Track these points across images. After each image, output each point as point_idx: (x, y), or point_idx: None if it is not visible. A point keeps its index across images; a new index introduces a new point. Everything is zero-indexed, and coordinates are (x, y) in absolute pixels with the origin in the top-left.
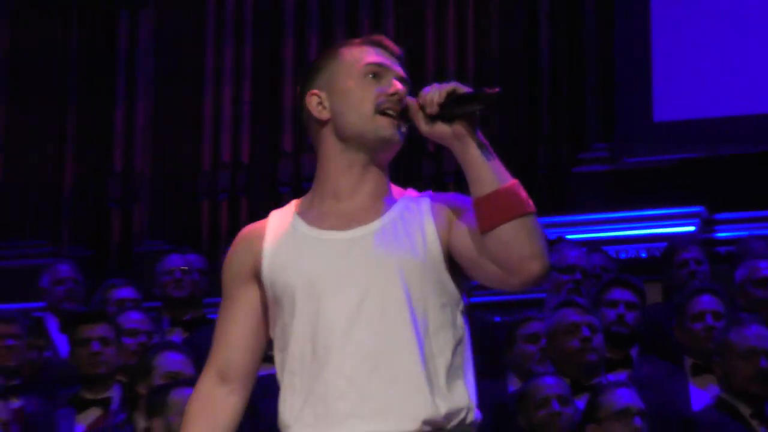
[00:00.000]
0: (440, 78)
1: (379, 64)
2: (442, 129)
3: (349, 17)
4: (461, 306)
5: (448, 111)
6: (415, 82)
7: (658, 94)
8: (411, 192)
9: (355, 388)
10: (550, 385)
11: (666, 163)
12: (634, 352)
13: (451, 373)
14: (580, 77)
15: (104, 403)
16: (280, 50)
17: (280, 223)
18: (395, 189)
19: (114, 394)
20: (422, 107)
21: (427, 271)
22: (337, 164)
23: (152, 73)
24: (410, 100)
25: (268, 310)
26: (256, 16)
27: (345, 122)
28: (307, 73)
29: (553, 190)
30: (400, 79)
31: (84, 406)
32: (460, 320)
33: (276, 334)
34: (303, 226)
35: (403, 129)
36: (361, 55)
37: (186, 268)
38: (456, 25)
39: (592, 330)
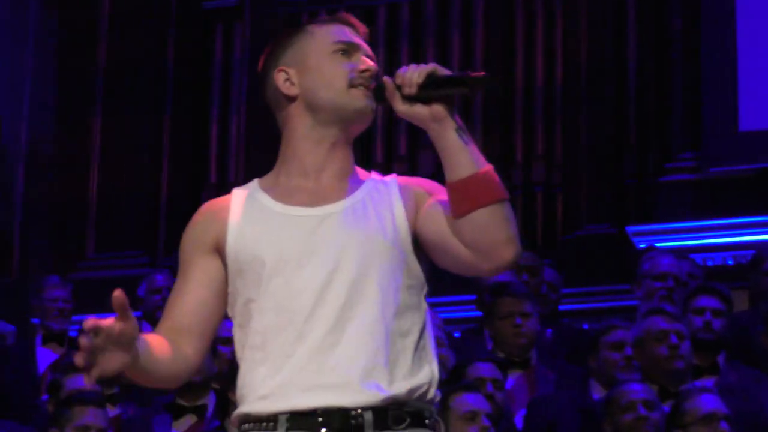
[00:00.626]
0: (529, 89)
1: (349, 42)
2: (419, 110)
3: (438, 29)
4: (425, 290)
5: (426, 92)
6: (504, 93)
7: (744, 104)
8: (375, 174)
9: (318, 361)
10: (636, 390)
11: (751, 172)
12: (720, 359)
13: (417, 353)
14: (667, 88)
15: (200, 410)
16: None
17: (244, 199)
18: (359, 170)
19: (209, 401)
20: (399, 87)
21: (396, 252)
22: (306, 141)
23: (247, 85)
24: (386, 79)
25: (226, 286)
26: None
27: (317, 97)
28: (272, 50)
29: (641, 200)
30: (370, 58)
31: (180, 412)
32: (424, 304)
33: (236, 310)
34: (270, 202)
35: (373, 106)
36: (331, 33)
37: None
38: (544, 36)
39: (680, 337)
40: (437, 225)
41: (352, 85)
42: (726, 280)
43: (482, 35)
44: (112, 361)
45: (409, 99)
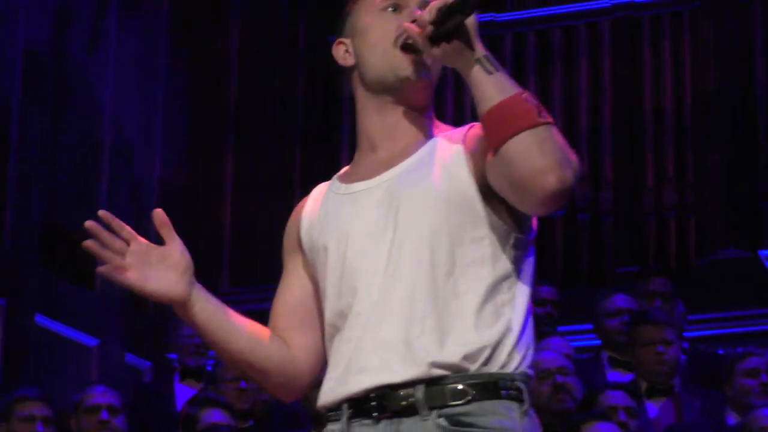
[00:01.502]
0: (658, 114)
1: None
2: (444, 49)
3: (565, 57)
4: (513, 238)
5: (442, 27)
6: (633, 118)
7: None
8: (448, 128)
9: (370, 338)
10: None
11: None
12: None
13: (481, 314)
14: None
15: None
16: None
17: (320, 192)
18: (441, 127)
19: None
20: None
21: (454, 206)
22: (367, 111)
23: None
24: (407, 27)
25: (314, 280)
26: None
27: (365, 64)
28: (336, 23)
29: None
30: (425, 5)
31: None
32: (507, 253)
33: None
34: (337, 186)
35: (428, 63)
36: None
37: None
38: (672, 60)
39: None
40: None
41: (399, 44)
42: None
43: (609, 62)
44: (144, 276)
45: (432, 41)
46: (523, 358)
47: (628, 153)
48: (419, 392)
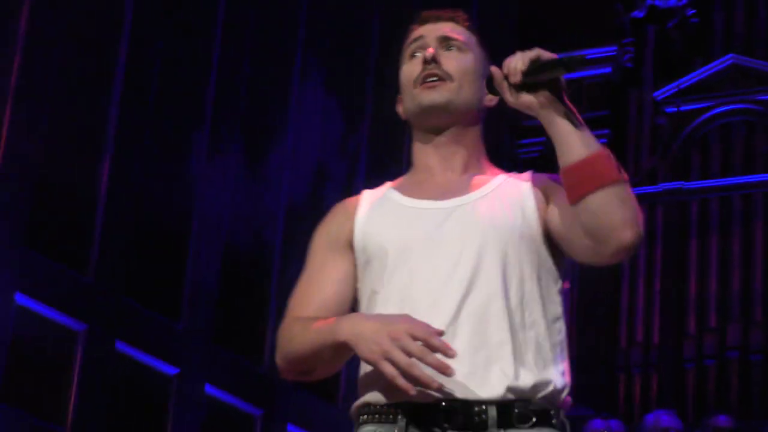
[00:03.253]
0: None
1: (417, 38)
2: (528, 99)
3: (744, 221)
4: (559, 284)
5: (532, 79)
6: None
7: None
8: (512, 174)
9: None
10: None
11: None
12: None
13: (542, 348)
14: None
15: None
16: (685, 249)
17: (374, 197)
18: (492, 168)
19: None
20: (506, 77)
21: (524, 243)
22: (417, 144)
23: None
24: (494, 70)
25: (354, 281)
26: (665, 225)
27: (405, 109)
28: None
29: None
30: (440, 40)
31: None
32: (557, 298)
33: (363, 304)
34: (399, 197)
35: (449, 94)
36: (406, 41)
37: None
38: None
39: None
40: (562, 215)
41: (419, 82)
42: None
43: None
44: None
45: (517, 88)
46: (566, 396)
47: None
48: (492, 411)
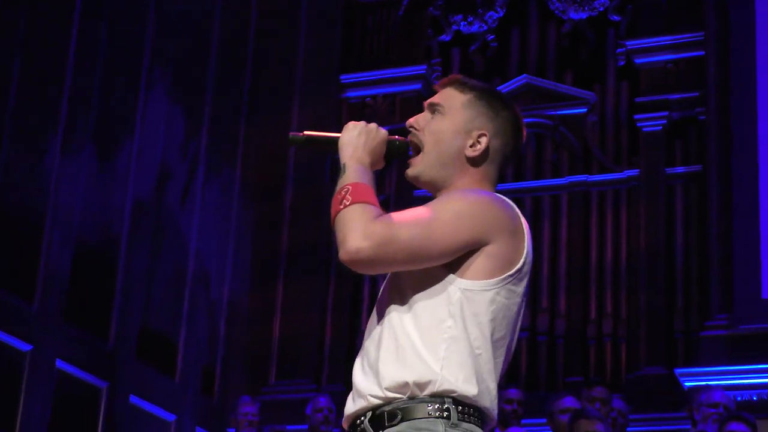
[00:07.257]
0: (600, 264)
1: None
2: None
3: (532, 222)
4: (447, 277)
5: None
6: (583, 267)
7: (767, 277)
8: None
9: (354, 380)
10: None
11: None
12: None
13: (410, 348)
14: (706, 266)
15: None
16: None
17: None
18: None
19: None
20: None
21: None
22: None
23: None
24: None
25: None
26: None
27: None
28: None
29: (687, 350)
30: (428, 106)
31: None
32: (452, 297)
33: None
34: None
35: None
36: None
37: None
38: (612, 226)
39: None
40: None
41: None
42: (752, 412)
43: (566, 224)
44: None
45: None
46: (448, 388)
47: (579, 293)
48: (367, 421)
